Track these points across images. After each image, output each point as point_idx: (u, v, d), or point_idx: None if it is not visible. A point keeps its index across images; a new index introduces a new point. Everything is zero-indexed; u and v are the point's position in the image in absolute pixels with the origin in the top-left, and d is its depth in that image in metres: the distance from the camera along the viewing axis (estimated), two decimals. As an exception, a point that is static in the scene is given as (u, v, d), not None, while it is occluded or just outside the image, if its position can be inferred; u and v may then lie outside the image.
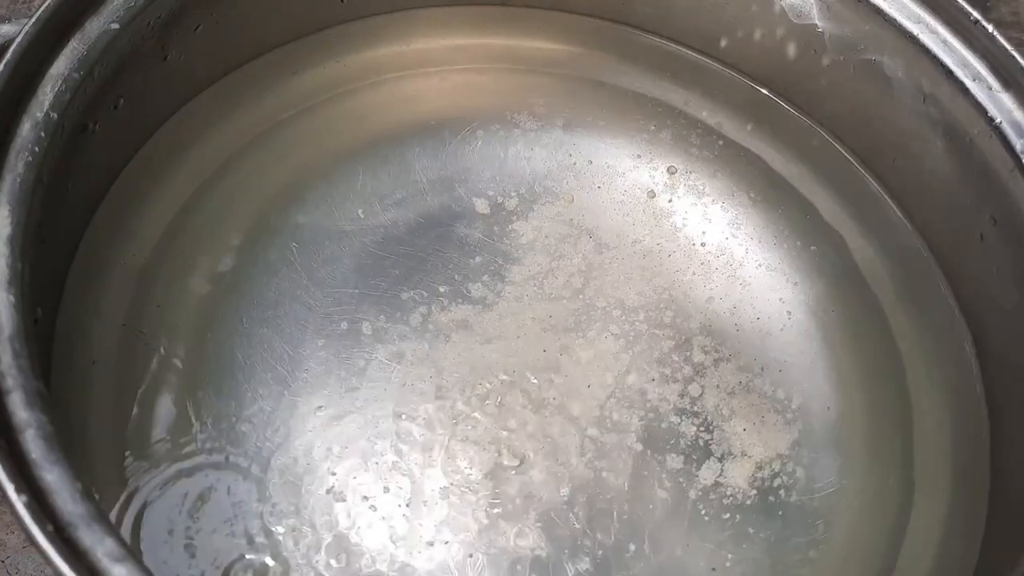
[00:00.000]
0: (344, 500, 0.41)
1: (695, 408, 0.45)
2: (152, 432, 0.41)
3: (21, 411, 0.31)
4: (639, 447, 0.44)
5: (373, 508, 0.41)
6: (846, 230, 0.50)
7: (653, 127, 0.52)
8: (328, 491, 0.41)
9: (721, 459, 0.44)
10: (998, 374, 0.45)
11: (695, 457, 0.44)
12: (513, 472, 0.42)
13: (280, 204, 0.47)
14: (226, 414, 0.42)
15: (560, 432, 0.44)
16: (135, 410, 0.42)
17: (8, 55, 0.36)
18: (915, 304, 0.48)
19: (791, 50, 0.50)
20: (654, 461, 0.43)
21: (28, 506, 0.28)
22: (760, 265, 0.49)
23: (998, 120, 0.43)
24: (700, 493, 0.43)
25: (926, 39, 0.45)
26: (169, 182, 0.47)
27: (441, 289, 0.46)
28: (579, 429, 0.44)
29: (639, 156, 0.51)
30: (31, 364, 0.32)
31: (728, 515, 0.42)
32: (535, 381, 0.45)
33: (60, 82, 0.37)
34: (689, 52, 0.54)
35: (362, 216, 0.48)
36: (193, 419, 0.42)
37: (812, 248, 0.50)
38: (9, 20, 0.40)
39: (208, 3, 0.45)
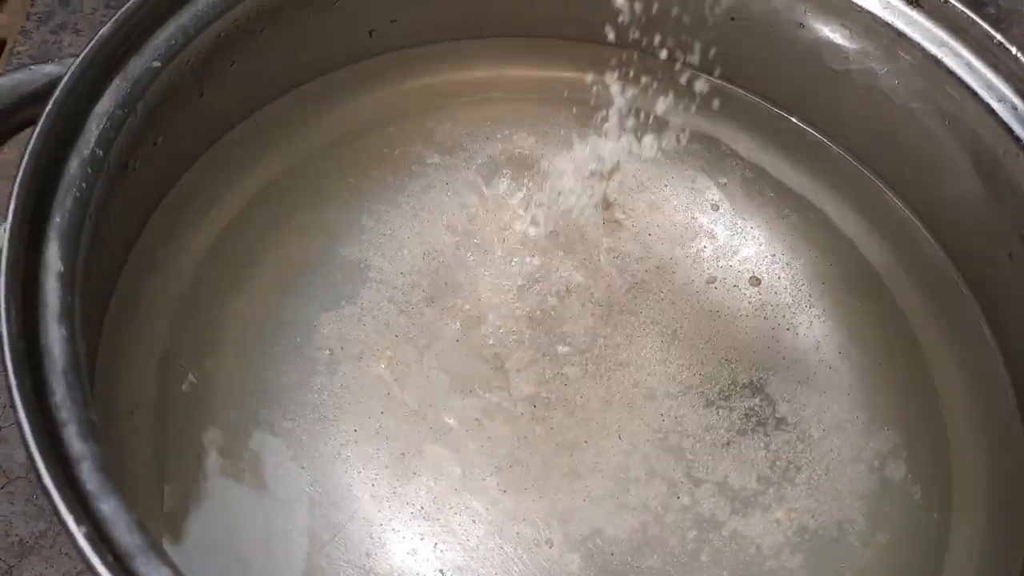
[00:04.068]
0: (373, 539, 0.41)
1: (734, 442, 0.45)
2: (191, 464, 0.42)
3: (76, 443, 0.31)
4: (679, 478, 0.44)
5: (413, 552, 0.41)
6: (872, 252, 0.51)
7: (684, 148, 0.53)
8: (366, 532, 0.41)
9: (755, 499, 0.43)
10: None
11: (731, 498, 0.43)
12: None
13: (315, 237, 0.48)
14: (264, 445, 0.42)
15: (596, 477, 0.44)
16: (174, 442, 0.42)
17: (56, 93, 0.36)
18: (946, 326, 0.49)
19: (815, 75, 0.51)
20: (689, 499, 0.43)
21: (88, 537, 0.29)
22: (788, 284, 0.49)
23: (1025, 140, 0.43)
24: (732, 534, 0.43)
25: (950, 62, 0.45)
26: (204, 216, 0.47)
27: (478, 314, 0.47)
28: (616, 471, 0.44)
29: (675, 175, 0.52)
30: (84, 396, 0.32)
31: (767, 553, 0.42)
32: (582, 402, 0.45)
33: (105, 119, 0.38)
34: (712, 79, 0.54)
35: (398, 246, 0.48)
36: (232, 450, 0.42)
37: (835, 267, 0.50)
38: (48, 61, 0.41)
39: (244, 40, 0.45)
